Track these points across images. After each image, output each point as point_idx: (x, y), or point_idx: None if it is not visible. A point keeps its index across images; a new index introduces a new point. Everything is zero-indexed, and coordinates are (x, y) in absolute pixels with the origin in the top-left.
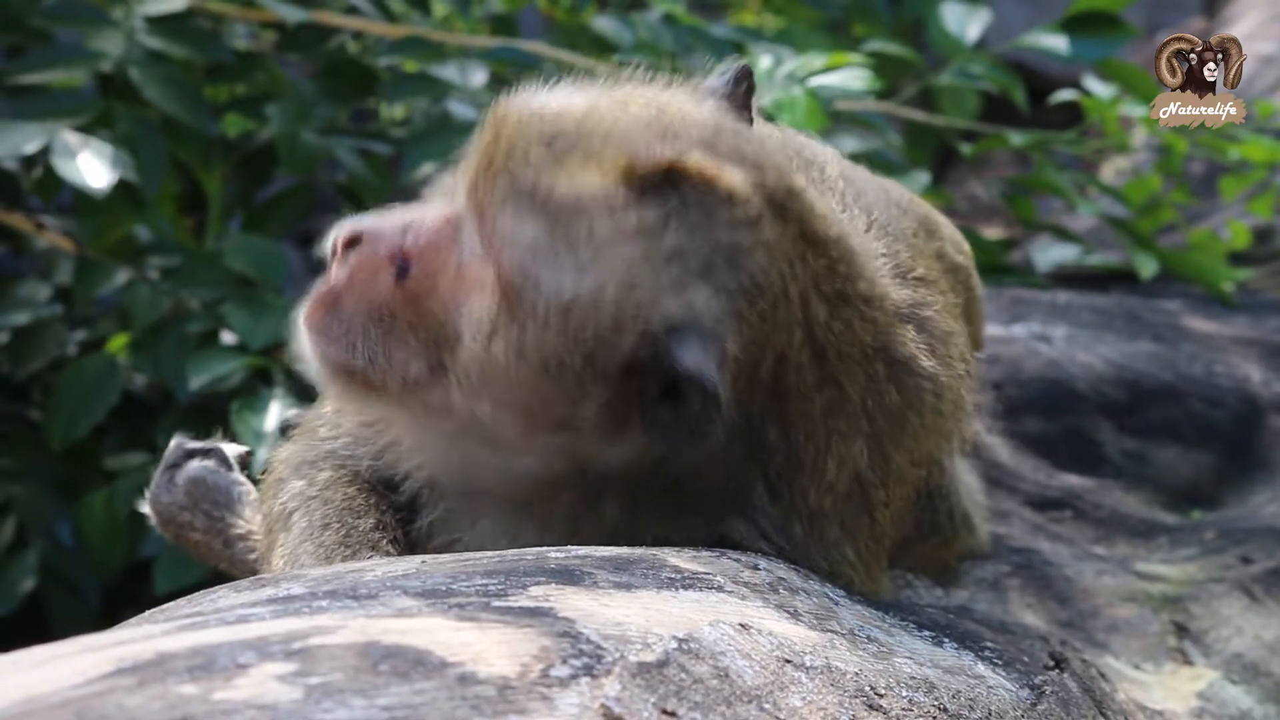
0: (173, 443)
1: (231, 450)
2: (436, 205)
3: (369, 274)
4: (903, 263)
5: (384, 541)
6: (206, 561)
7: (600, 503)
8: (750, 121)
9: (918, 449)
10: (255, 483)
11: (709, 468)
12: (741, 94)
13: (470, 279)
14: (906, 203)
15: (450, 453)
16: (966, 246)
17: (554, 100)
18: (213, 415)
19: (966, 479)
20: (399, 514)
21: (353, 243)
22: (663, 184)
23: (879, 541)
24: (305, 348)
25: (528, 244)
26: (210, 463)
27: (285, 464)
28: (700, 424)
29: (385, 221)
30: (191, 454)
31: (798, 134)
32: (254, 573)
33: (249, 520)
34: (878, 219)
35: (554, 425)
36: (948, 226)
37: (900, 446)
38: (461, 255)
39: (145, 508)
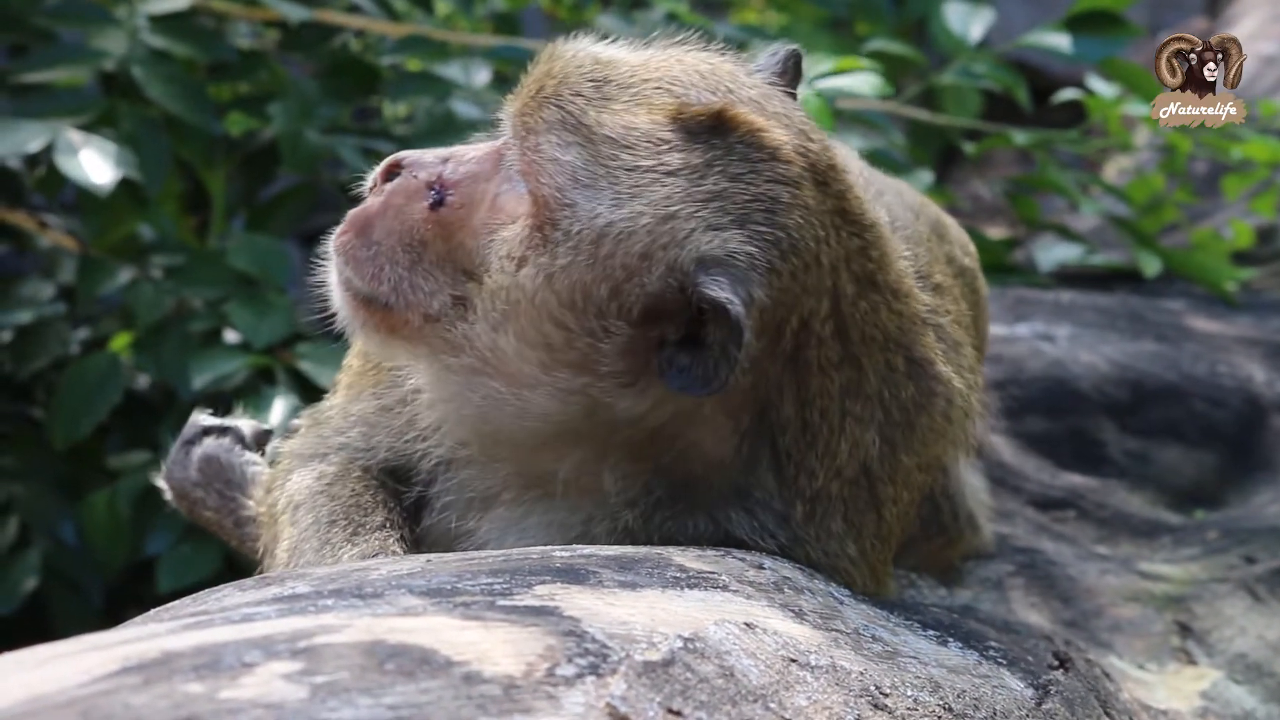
0: (192, 417)
1: (249, 428)
2: (477, 144)
3: (404, 200)
4: (922, 268)
5: (391, 540)
6: (219, 537)
7: (604, 465)
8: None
9: (926, 453)
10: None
11: (715, 432)
12: (788, 78)
13: (505, 209)
14: (919, 205)
15: (468, 394)
16: (973, 248)
17: (611, 49)
18: (216, 414)
19: (971, 479)
20: (406, 512)
21: (392, 172)
22: (710, 129)
23: (885, 541)
24: (330, 275)
25: (568, 169)
26: (225, 440)
27: (292, 456)
28: (718, 367)
29: (427, 152)
30: (208, 430)
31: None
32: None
33: (259, 502)
34: (897, 221)
35: (573, 363)
36: (955, 229)
37: (910, 449)
38: (499, 187)
39: (160, 481)
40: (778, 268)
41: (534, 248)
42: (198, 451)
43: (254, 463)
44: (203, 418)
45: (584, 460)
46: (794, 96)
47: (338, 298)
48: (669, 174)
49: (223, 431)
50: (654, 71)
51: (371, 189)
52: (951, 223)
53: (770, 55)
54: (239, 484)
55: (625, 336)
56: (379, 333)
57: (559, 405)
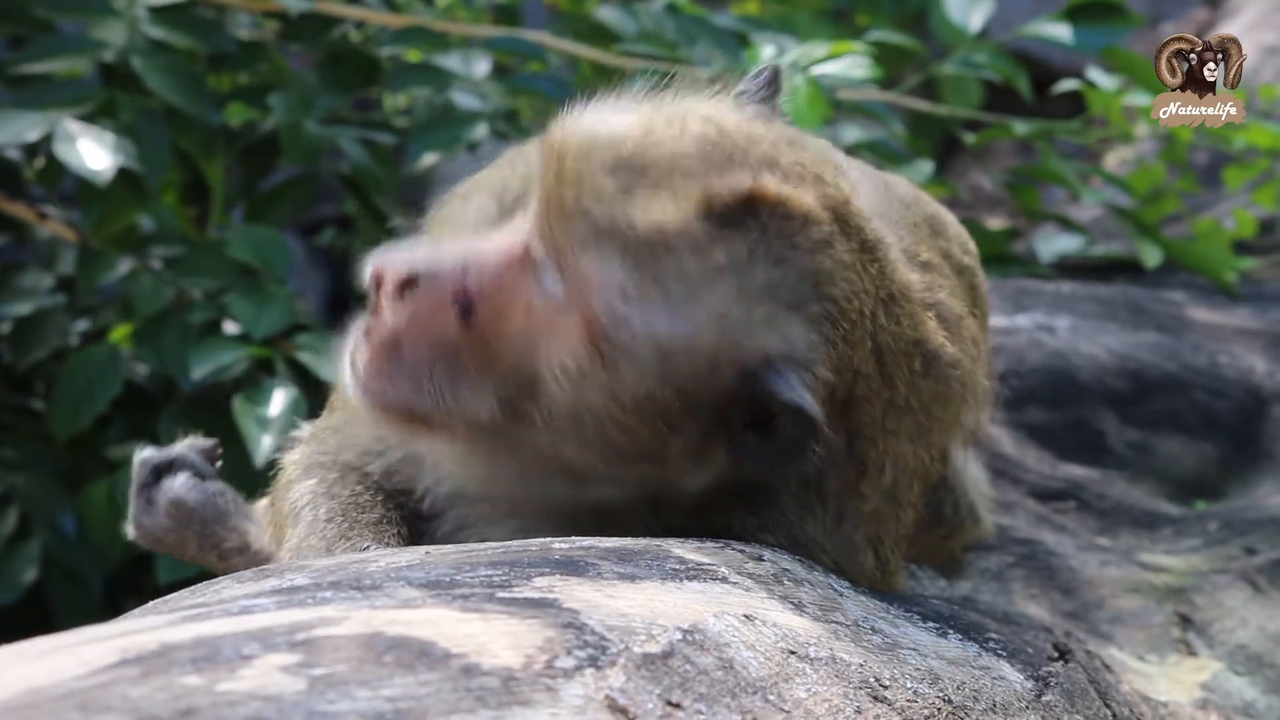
0: (136, 461)
1: (195, 452)
2: (490, 238)
3: (430, 316)
4: (908, 248)
5: (387, 535)
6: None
7: (651, 518)
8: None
9: (939, 444)
10: (259, 484)
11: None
12: (771, 96)
13: (546, 320)
14: (911, 199)
15: (515, 478)
16: (973, 247)
17: (609, 123)
18: (215, 405)
19: (972, 470)
20: (404, 513)
21: (409, 284)
22: (742, 214)
23: (900, 542)
24: (362, 393)
25: (614, 286)
26: (184, 478)
27: (296, 466)
28: (795, 450)
29: (439, 259)
30: (160, 470)
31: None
32: None
33: (242, 530)
34: (880, 211)
35: (638, 457)
36: (955, 226)
37: (928, 442)
38: (532, 295)
39: (130, 532)
40: (833, 339)
41: (592, 363)
42: (161, 495)
43: (221, 493)
44: (148, 455)
45: (630, 517)
46: (776, 117)
47: (367, 409)
48: (717, 274)
49: (173, 467)
50: (666, 149)
51: (377, 290)
52: (951, 220)
53: (753, 79)
54: (216, 519)
55: (694, 433)
56: (416, 436)
57: (619, 490)
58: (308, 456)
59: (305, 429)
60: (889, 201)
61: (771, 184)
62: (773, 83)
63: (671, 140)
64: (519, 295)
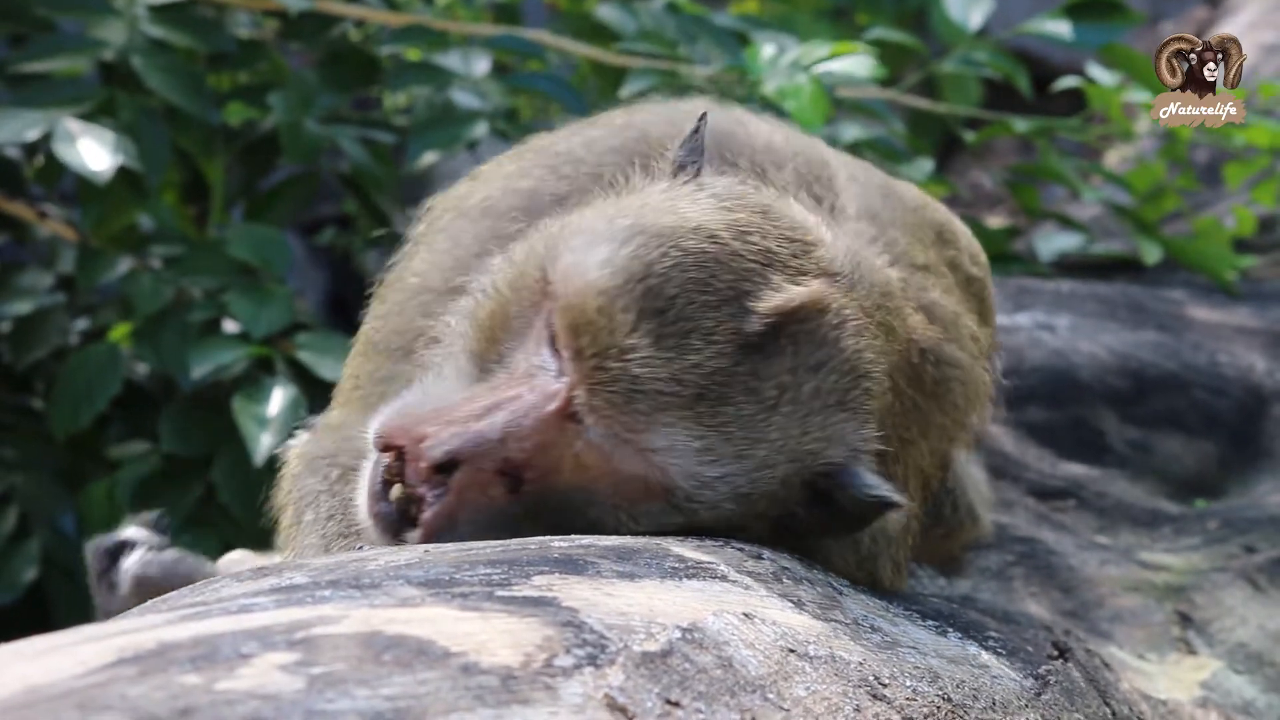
0: (88, 552)
1: (144, 528)
2: (517, 392)
3: (479, 492)
4: (899, 253)
5: None
6: None
7: None
8: (701, 165)
9: (942, 444)
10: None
11: None
12: (700, 147)
13: (600, 470)
14: (917, 204)
15: None
16: (984, 259)
17: (610, 260)
18: (215, 404)
19: (972, 471)
20: None
21: (449, 465)
22: (774, 335)
23: (908, 546)
24: None
25: (678, 450)
26: (139, 553)
27: (300, 459)
28: (858, 521)
29: (473, 432)
30: (114, 554)
31: (799, 134)
32: None
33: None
34: (871, 211)
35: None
36: (966, 237)
37: (932, 440)
38: (579, 448)
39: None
40: (870, 409)
41: (667, 513)
42: (122, 576)
43: (181, 559)
44: (99, 541)
45: None
46: (705, 160)
47: None
48: (773, 408)
49: (126, 547)
50: (676, 284)
51: (402, 459)
52: (963, 231)
53: (683, 146)
54: (183, 585)
55: (760, 527)
56: None
57: None
58: (311, 451)
59: (312, 421)
60: (887, 202)
61: (793, 299)
62: (697, 138)
63: (675, 270)
64: (565, 451)
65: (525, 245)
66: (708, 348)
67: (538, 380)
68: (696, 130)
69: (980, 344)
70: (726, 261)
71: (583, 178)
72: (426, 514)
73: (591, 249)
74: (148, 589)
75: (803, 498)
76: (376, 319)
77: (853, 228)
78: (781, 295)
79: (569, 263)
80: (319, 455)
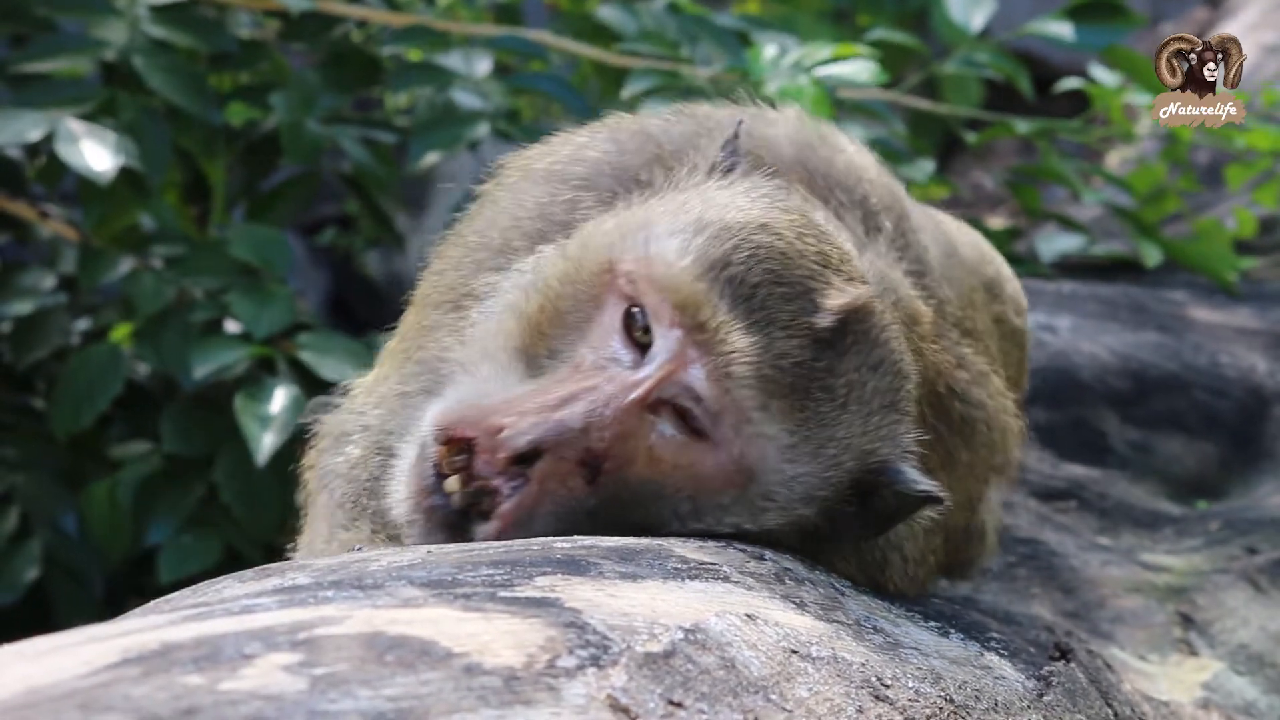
0: None
1: None
2: (593, 383)
3: (560, 483)
4: (950, 311)
5: (383, 532)
6: None
7: None
8: (739, 166)
9: (968, 487)
10: None
11: None
12: (738, 149)
13: (677, 462)
14: (978, 260)
15: None
16: (1024, 304)
17: (690, 248)
18: (216, 404)
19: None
20: None
21: (531, 455)
22: (842, 333)
23: (929, 565)
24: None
25: (771, 433)
26: None
27: (326, 435)
28: (899, 513)
29: (558, 423)
30: None
31: (863, 163)
32: None
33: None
34: (934, 271)
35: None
36: (1011, 286)
37: (958, 470)
38: (655, 440)
39: None
40: (911, 412)
41: (735, 509)
42: None
43: None
44: None
45: None
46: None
47: None
48: (843, 406)
49: None
50: (758, 273)
51: (491, 469)
52: (1009, 278)
53: (723, 151)
54: None
55: (808, 520)
56: None
57: None
58: (337, 424)
59: (351, 383)
60: (948, 258)
61: (851, 292)
62: (735, 137)
63: (756, 264)
64: (642, 442)
65: (578, 240)
66: (790, 339)
67: (611, 372)
68: (735, 134)
69: (1009, 397)
70: (794, 258)
71: (649, 156)
72: (505, 505)
73: (669, 238)
74: None
75: (848, 496)
76: (432, 274)
77: (896, 260)
78: (846, 293)
79: (651, 251)
80: (345, 432)
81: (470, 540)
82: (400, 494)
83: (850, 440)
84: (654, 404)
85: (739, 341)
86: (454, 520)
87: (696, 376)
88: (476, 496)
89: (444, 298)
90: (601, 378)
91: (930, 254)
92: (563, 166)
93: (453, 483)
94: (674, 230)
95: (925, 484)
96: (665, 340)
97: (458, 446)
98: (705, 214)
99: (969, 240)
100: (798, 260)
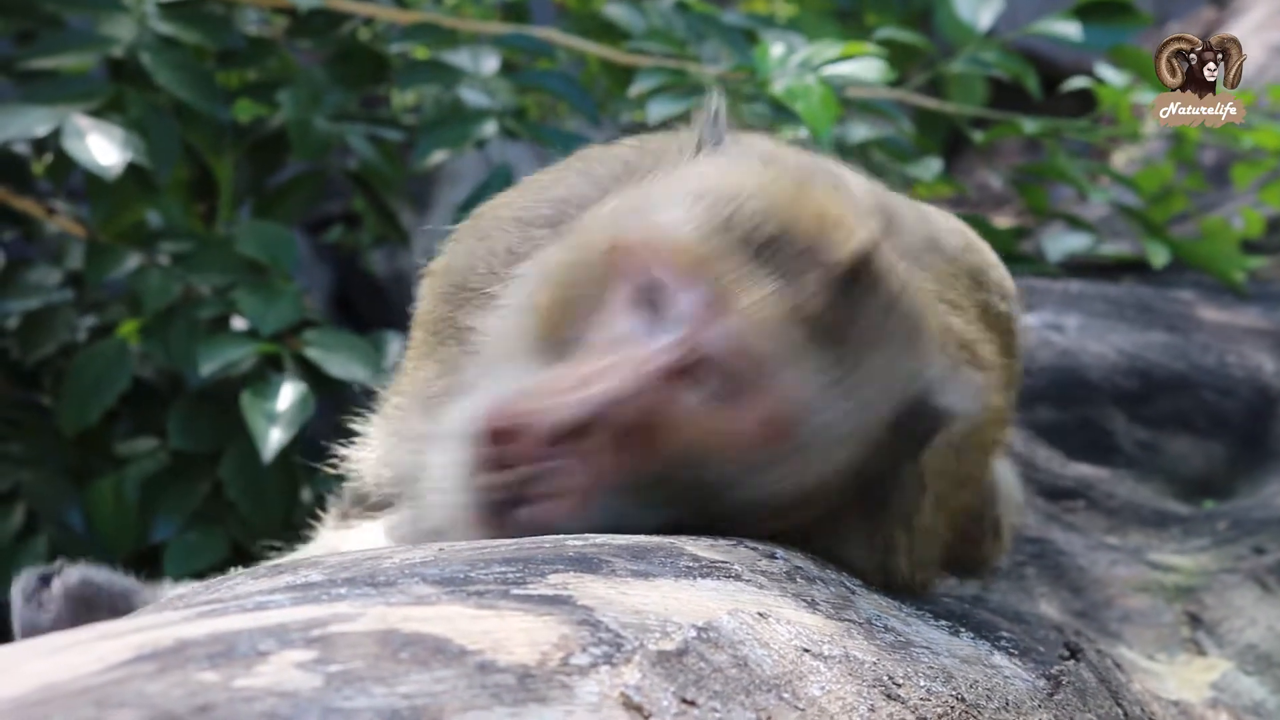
0: (16, 587)
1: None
2: (615, 359)
3: (602, 459)
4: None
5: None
6: None
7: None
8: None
9: (971, 467)
10: None
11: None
12: (721, 123)
13: (716, 427)
14: (960, 248)
15: None
16: (1010, 289)
17: (690, 217)
18: (223, 401)
19: (1005, 476)
20: None
21: (576, 431)
22: (860, 274)
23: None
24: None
25: (804, 380)
26: (80, 567)
27: (372, 426)
28: (927, 438)
29: (598, 397)
30: (46, 577)
31: (828, 163)
32: None
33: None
34: (921, 258)
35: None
36: (995, 272)
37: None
38: (692, 406)
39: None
40: (936, 340)
41: (776, 458)
42: (57, 587)
43: (118, 575)
44: (31, 573)
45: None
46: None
47: None
48: (872, 343)
49: (60, 571)
50: (763, 231)
51: (530, 454)
52: (994, 264)
53: (708, 124)
54: (126, 593)
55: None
56: None
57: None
58: (380, 418)
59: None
60: (927, 249)
61: (860, 234)
62: (716, 112)
63: (759, 222)
64: (679, 410)
65: (577, 231)
66: (806, 287)
67: (634, 345)
68: (716, 111)
69: (997, 372)
70: (796, 213)
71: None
72: (552, 485)
73: (671, 209)
74: (88, 595)
75: (889, 427)
76: (456, 243)
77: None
78: (855, 237)
79: (654, 222)
80: (379, 423)
81: (518, 531)
82: (440, 495)
83: (882, 376)
84: (681, 370)
85: (756, 295)
86: (498, 512)
87: (719, 335)
88: (518, 485)
89: (478, 269)
90: (625, 353)
91: (913, 238)
92: (599, 152)
93: (491, 477)
94: (674, 201)
95: (964, 402)
96: (682, 307)
97: (493, 438)
98: (703, 183)
99: (952, 228)
100: (799, 214)
